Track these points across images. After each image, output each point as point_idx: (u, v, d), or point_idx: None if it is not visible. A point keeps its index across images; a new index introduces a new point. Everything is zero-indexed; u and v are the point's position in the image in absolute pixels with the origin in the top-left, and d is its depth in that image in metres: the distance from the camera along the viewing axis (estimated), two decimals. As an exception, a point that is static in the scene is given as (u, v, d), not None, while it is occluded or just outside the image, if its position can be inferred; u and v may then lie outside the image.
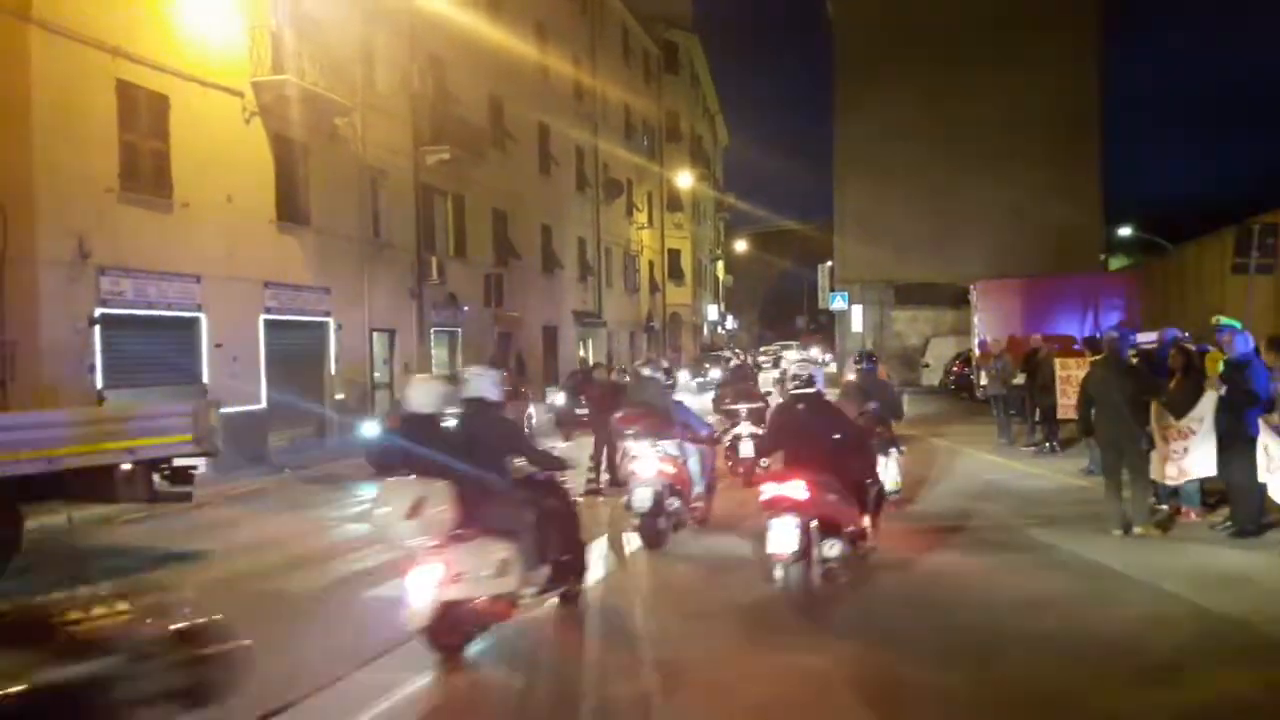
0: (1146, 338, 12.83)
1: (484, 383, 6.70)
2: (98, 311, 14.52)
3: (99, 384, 14.44)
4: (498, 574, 5.99)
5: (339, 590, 8.36)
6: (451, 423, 6.87)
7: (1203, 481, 9.68)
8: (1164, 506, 9.80)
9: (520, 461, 6.72)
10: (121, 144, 15.15)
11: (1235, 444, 8.69)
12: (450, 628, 5.92)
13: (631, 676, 5.72)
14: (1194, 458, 9.19)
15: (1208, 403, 9.00)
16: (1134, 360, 10.07)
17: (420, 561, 5.80)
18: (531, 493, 6.65)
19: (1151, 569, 7.78)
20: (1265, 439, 8.29)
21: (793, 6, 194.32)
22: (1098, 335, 10.64)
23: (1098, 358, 10.08)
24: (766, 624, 6.59)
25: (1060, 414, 14.55)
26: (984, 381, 20.25)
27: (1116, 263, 43.72)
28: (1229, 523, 8.96)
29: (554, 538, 6.65)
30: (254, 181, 18.10)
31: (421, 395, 6.88)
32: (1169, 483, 9.54)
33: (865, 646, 6.13)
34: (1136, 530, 9.05)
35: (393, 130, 22.92)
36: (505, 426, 6.81)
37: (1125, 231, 41.92)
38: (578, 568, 7.00)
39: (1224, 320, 10.05)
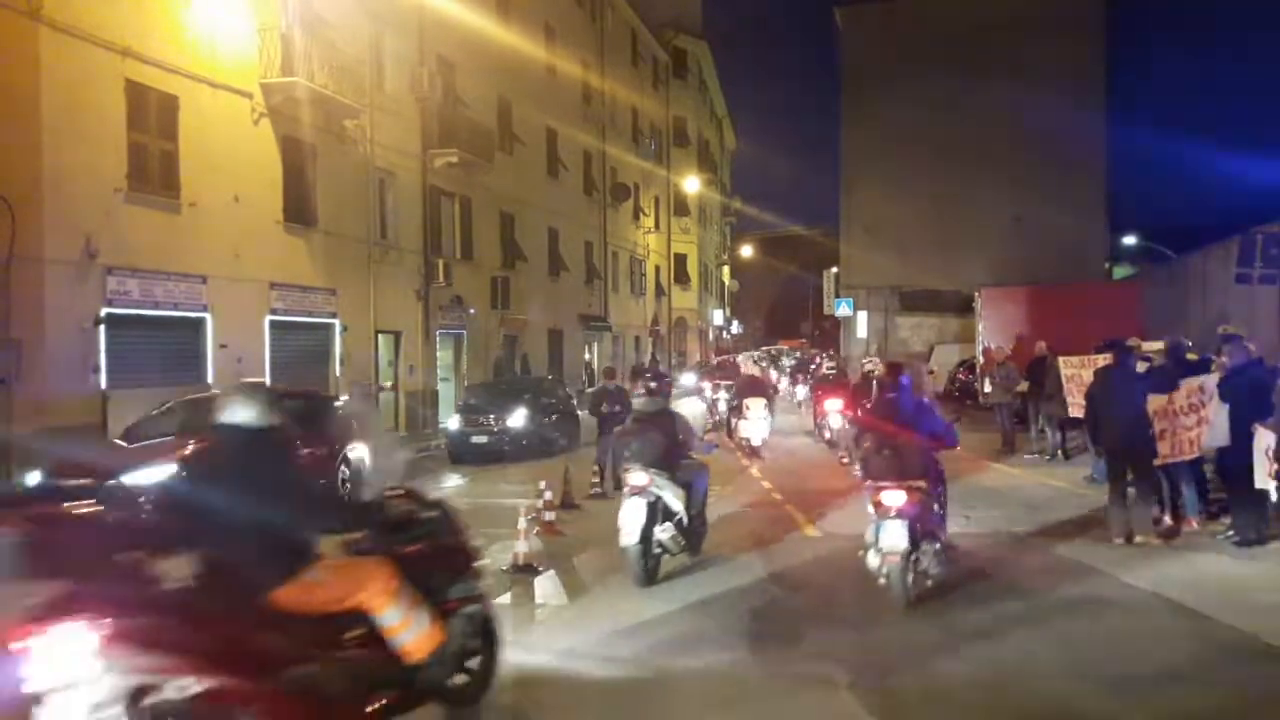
0: (1152, 346, 12.81)
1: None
2: (103, 311, 14.56)
3: (103, 384, 14.49)
4: None
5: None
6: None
7: (1205, 489, 9.69)
8: (1166, 517, 9.80)
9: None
10: (130, 144, 15.21)
11: (1236, 452, 8.70)
12: None
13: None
14: (1209, 429, 9.16)
15: (1210, 379, 9.05)
16: (1141, 368, 10.08)
17: None
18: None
19: (1154, 578, 7.78)
20: (1266, 442, 8.28)
21: (801, 14, 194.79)
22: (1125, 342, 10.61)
23: (1104, 365, 10.09)
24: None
25: (1073, 413, 14.31)
26: (988, 389, 20.24)
27: (1121, 271, 43.65)
28: (1231, 531, 8.95)
29: None
30: (262, 182, 18.16)
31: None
32: (1185, 458, 9.44)
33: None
34: (1138, 539, 9.06)
35: (401, 132, 22.99)
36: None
37: (1130, 240, 41.85)
38: None
39: (1230, 330, 10.07)
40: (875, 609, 7.11)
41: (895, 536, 7.07)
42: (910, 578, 7.15)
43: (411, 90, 23.50)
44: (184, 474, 4.64)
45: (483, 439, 17.95)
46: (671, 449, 8.48)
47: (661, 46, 46.95)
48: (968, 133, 37.72)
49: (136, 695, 3.64)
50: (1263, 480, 8.30)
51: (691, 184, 48.54)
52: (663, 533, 8.16)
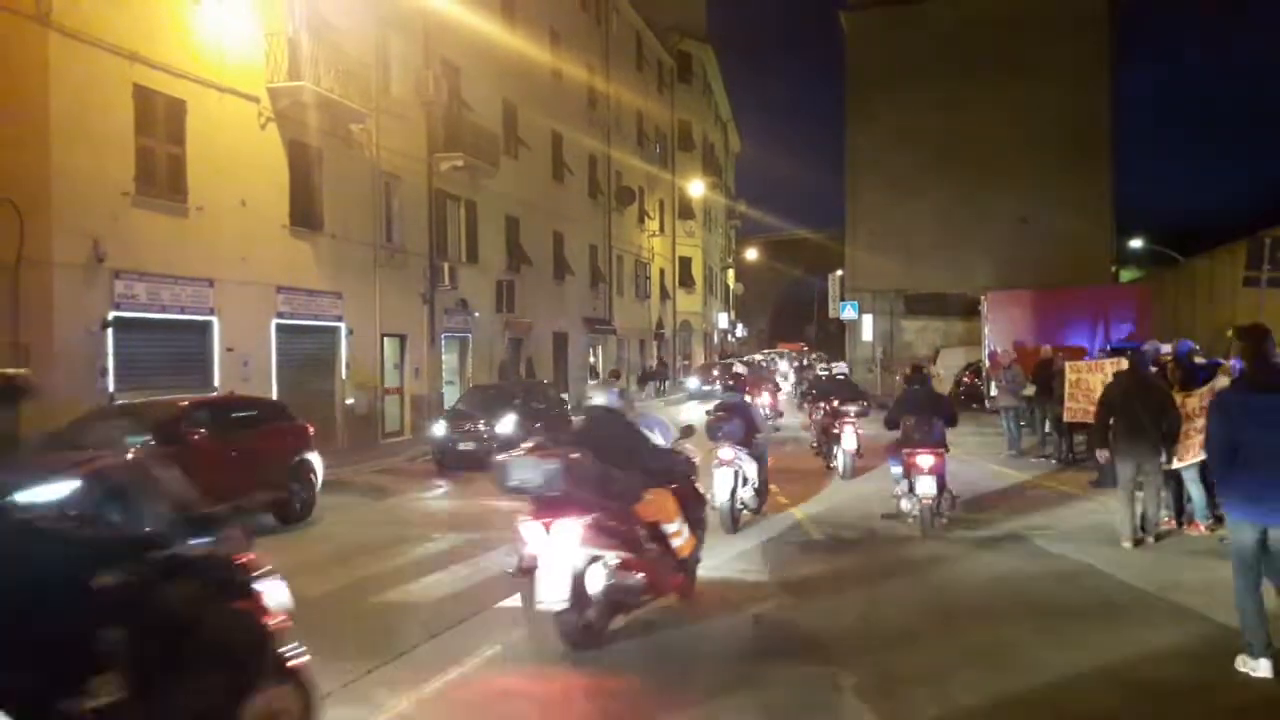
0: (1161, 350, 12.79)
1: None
2: (111, 314, 14.60)
3: (110, 387, 14.53)
4: None
5: (347, 595, 8.40)
6: None
7: (1212, 495, 9.67)
8: (1172, 522, 9.81)
9: None
10: (138, 148, 15.26)
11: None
12: None
13: None
14: None
15: (1221, 382, 9.04)
16: (1156, 373, 10.09)
17: None
18: None
19: (1161, 581, 7.78)
20: None
21: (806, 17, 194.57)
22: (1140, 346, 10.59)
23: (1121, 369, 10.09)
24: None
25: (1068, 417, 14.31)
26: (994, 392, 20.23)
27: (1127, 275, 43.62)
28: None
29: None
30: (268, 186, 18.21)
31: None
32: (1182, 464, 9.42)
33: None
34: (1150, 541, 9.09)
35: (407, 136, 23.04)
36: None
37: (1136, 244, 41.83)
38: None
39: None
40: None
41: (927, 486, 9.95)
42: (933, 521, 10.02)
43: (417, 94, 23.55)
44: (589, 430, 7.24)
45: (470, 445, 17.19)
46: (750, 431, 10.80)
47: (666, 50, 47.01)
48: (973, 135, 37.70)
49: (590, 562, 6.27)
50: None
51: (696, 187, 48.57)
52: (745, 493, 10.60)
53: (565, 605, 6.12)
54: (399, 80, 22.92)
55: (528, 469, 6.35)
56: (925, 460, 9.91)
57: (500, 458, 6.86)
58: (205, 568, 3.75)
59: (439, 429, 18.00)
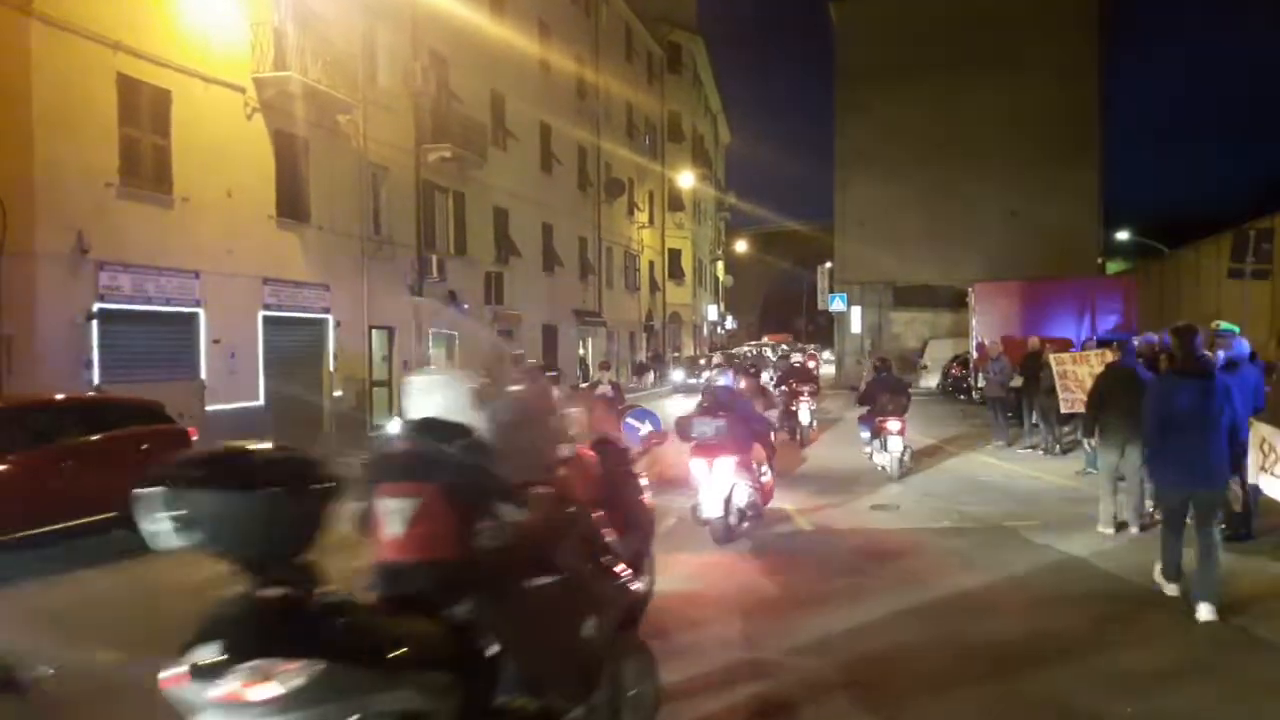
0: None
1: None
2: (96, 306, 14.52)
3: (95, 379, 14.45)
4: None
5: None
6: None
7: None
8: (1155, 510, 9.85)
9: None
10: (122, 138, 15.15)
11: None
12: None
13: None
14: None
15: None
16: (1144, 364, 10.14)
17: None
18: None
19: (1144, 569, 7.81)
20: (1262, 433, 8.30)
21: (796, 8, 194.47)
22: (1127, 337, 10.65)
23: (1114, 360, 10.15)
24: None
25: (1065, 408, 14.22)
26: (981, 384, 20.29)
27: (1114, 266, 43.81)
28: (1223, 525, 8.98)
29: None
30: (255, 177, 18.11)
31: None
32: None
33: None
34: (1134, 530, 9.16)
35: (394, 127, 22.94)
36: None
37: (1123, 235, 42.01)
38: None
39: (1223, 325, 10.10)
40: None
41: (896, 444, 13.29)
42: (901, 469, 13.36)
43: (405, 85, 23.45)
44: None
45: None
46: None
47: (656, 41, 46.90)
48: (962, 128, 37.83)
49: (733, 487, 9.25)
50: (1255, 474, 8.32)
51: (686, 179, 48.53)
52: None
53: (719, 515, 9.15)
54: (386, 71, 22.81)
55: (704, 425, 9.48)
56: (894, 425, 13.31)
57: (680, 416, 9.93)
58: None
59: (394, 426, 15.92)
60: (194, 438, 10.82)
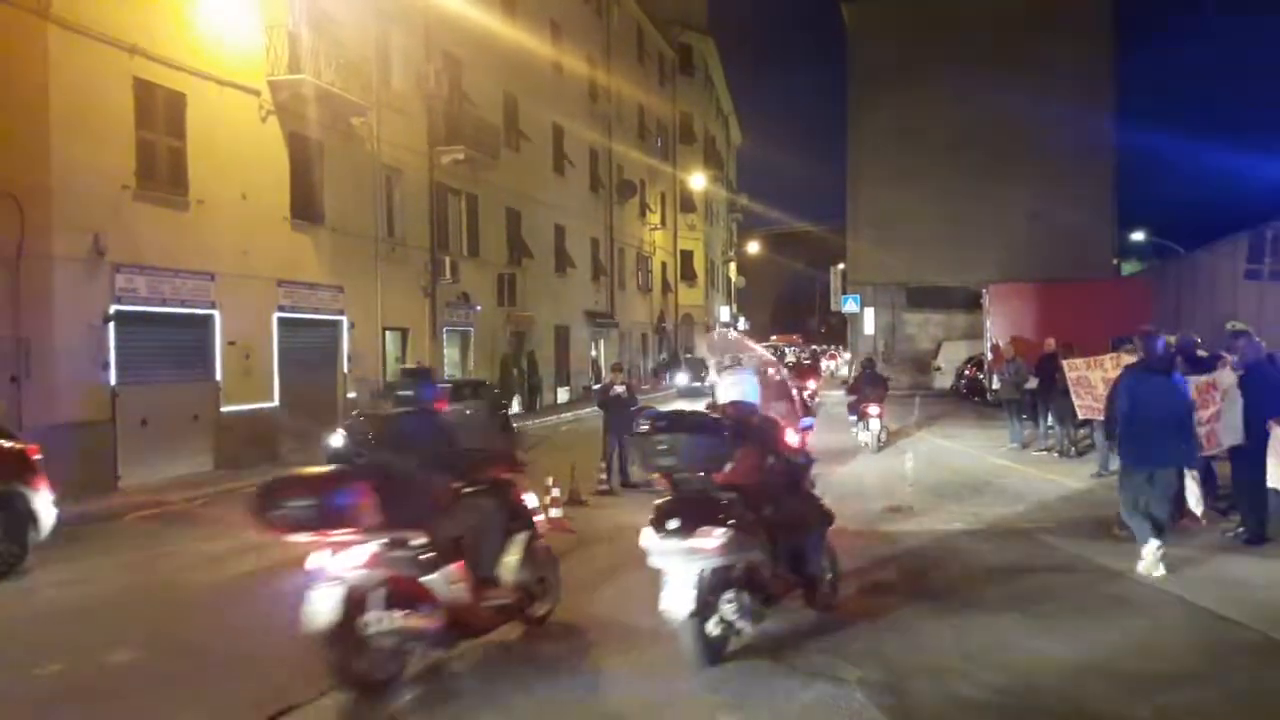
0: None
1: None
2: (112, 308, 14.59)
3: (112, 381, 14.53)
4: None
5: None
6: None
7: (1214, 486, 9.67)
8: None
9: None
10: (138, 141, 15.23)
11: (1246, 449, 8.67)
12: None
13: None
14: (1222, 424, 9.11)
15: (1226, 376, 9.02)
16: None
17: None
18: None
19: (1161, 574, 7.76)
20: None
21: (808, 10, 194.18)
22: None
23: (1131, 362, 10.08)
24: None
25: (1083, 414, 14.11)
26: (996, 385, 20.21)
27: (1129, 267, 43.56)
28: (1240, 529, 8.93)
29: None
30: (269, 179, 18.18)
31: None
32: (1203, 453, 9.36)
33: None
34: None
35: (408, 129, 23.01)
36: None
37: (1138, 236, 41.77)
38: None
39: (1239, 326, 10.03)
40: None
41: (876, 425, 17.13)
42: (879, 444, 17.01)
43: (418, 87, 23.51)
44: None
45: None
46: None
47: (668, 43, 46.90)
48: (975, 129, 37.69)
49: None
50: (1276, 479, 8.27)
51: (698, 180, 48.48)
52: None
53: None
54: (400, 73, 22.88)
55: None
56: (874, 409, 17.11)
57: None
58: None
59: (337, 439, 11.50)
60: (36, 456, 9.33)
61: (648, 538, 5.63)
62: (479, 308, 26.24)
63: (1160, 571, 7.64)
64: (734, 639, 5.90)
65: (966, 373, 31.02)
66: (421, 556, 5.56)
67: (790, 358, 37.39)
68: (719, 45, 53.80)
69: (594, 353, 36.99)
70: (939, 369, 35.44)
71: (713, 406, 9.80)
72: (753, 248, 70.67)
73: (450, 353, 25.68)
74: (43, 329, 13.59)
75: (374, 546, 5.36)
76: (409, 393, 6.51)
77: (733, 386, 7.74)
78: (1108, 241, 39.15)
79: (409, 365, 19.48)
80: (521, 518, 6.55)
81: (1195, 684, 5.51)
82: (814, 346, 54.80)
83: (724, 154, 61.12)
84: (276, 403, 18.09)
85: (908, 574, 8.23)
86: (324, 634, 5.11)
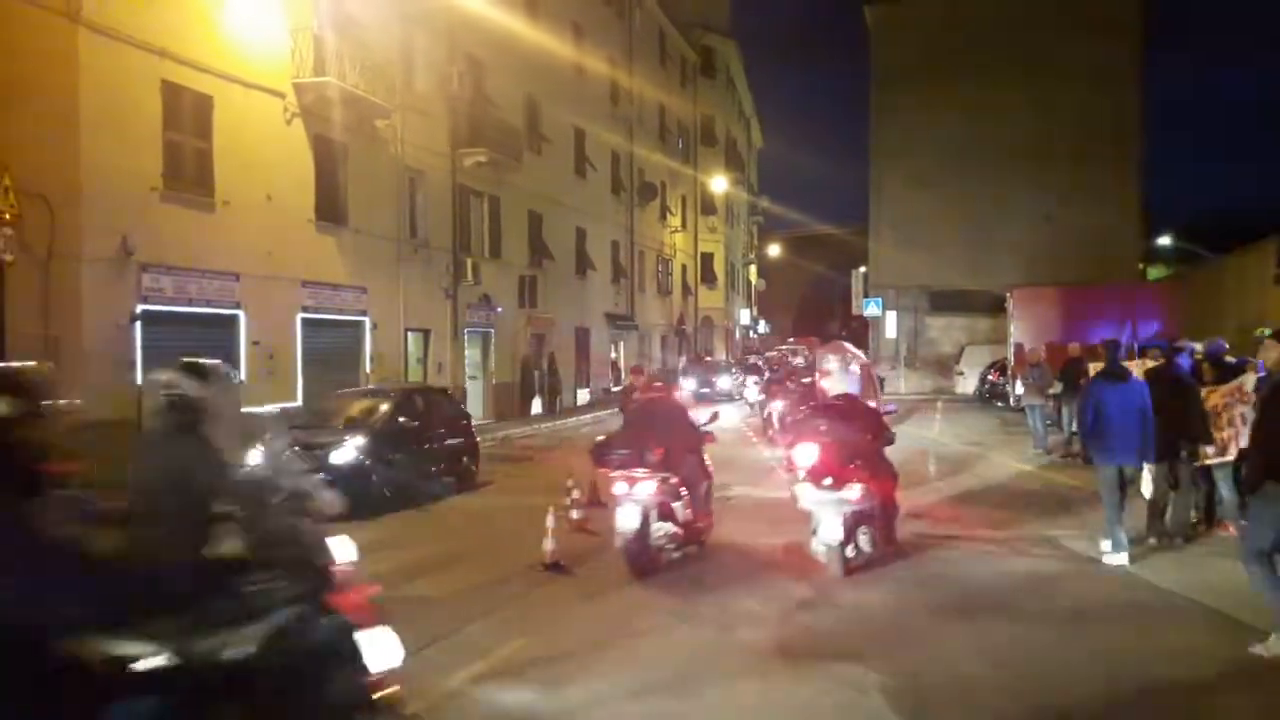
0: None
1: None
2: (138, 308, 14.73)
3: (138, 380, 14.64)
4: None
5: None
6: None
7: (1243, 497, 9.54)
8: (1197, 523, 9.71)
9: None
10: (165, 143, 15.38)
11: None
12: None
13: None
14: (1247, 432, 9.01)
15: (1251, 379, 8.92)
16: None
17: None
18: None
19: (1183, 581, 7.71)
20: None
21: (831, 13, 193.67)
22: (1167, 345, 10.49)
23: (1151, 366, 10.03)
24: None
25: None
26: (1020, 390, 20.06)
27: (1155, 272, 43.17)
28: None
29: None
30: (294, 181, 18.31)
31: None
32: (1216, 460, 9.28)
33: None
34: (1178, 542, 9.02)
35: (431, 132, 23.11)
36: None
37: (1164, 241, 41.38)
38: None
39: (1269, 332, 9.91)
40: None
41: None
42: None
43: (441, 90, 23.62)
44: None
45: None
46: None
47: (690, 45, 46.89)
48: (999, 131, 37.40)
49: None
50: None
51: (719, 183, 48.43)
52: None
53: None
54: (423, 76, 22.99)
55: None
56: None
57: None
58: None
59: (252, 458, 7.43)
60: None
61: (804, 490, 8.26)
62: (500, 309, 26.32)
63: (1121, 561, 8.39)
64: (860, 558, 8.27)
65: (990, 377, 30.81)
66: (679, 490, 8.71)
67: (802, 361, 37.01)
68: (741, 47, 53.80)
69: (614, 355, 37.00)
70: (961, 374, 35.23)
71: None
72: (773, 250, 70.48)
73: (471, 354, 25.77)
74: (71, 328, 13.73)
75: (656, 481, 8.36)
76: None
77: (840, 382, 9.78)
78: (1134, 245, 38.76)
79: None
80: (709, 471, 9.45)
81: (1216, 691, 5.49)
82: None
83: (745, 156, 61.03)
84: (300, 403, 18.19)
85: (930, 578, 8.18)
86: (629, 535, 8.21)
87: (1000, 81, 36.86)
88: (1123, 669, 5.80)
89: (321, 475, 9.75)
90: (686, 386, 36.43)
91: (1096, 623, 6.83)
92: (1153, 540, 9.14)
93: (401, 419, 13.65)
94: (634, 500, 8.24)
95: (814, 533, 8.23)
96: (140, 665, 2.90)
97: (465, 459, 14.83)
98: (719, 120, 51.06)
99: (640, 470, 8.42)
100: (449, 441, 14.57)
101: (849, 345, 13.61)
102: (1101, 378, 8.88)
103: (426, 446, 13.90)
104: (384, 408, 13.79)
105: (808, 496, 8.20)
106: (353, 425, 13.29)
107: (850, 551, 8.13)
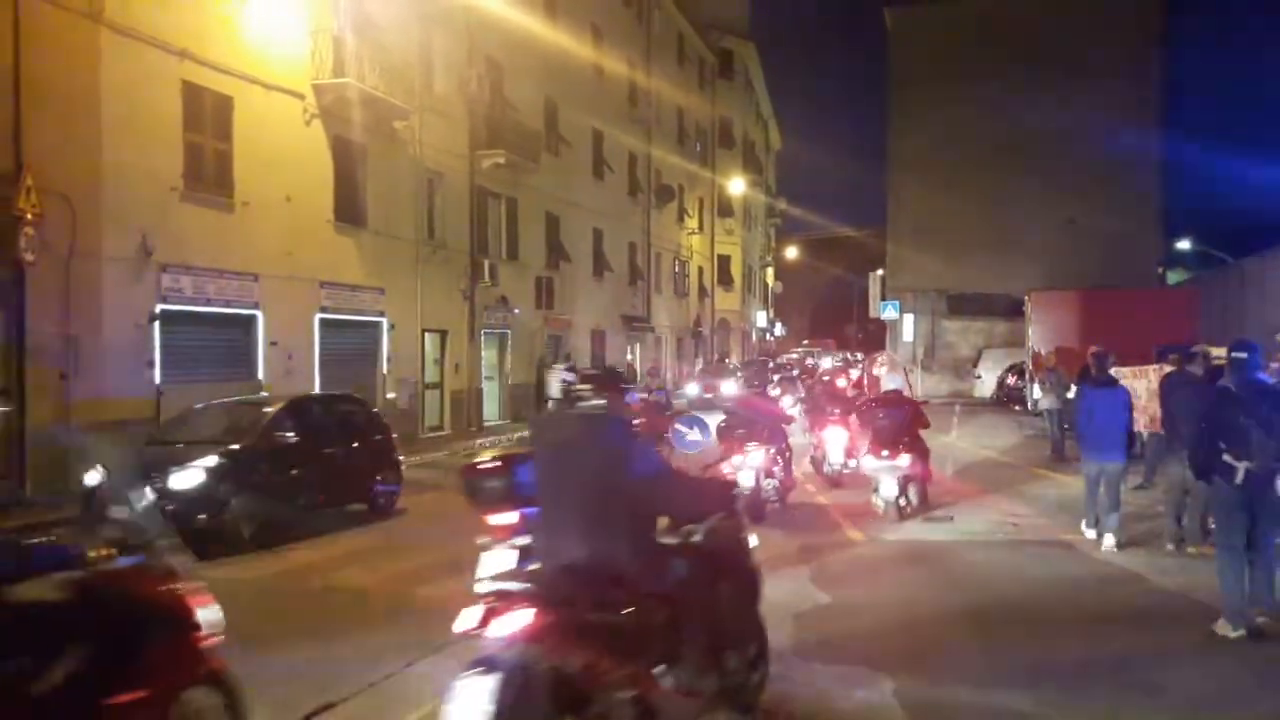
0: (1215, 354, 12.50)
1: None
2: (158, 308, 14.83)
3: (156, 379, 14.76)
4: None
5: (386, 587, 8.47)
6: None
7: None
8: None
9: None
10: (186, 144, 15.49)
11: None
12: None
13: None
14: None
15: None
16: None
17: None
18: None
19: (1211, 588, 7.61)
20: None
21: (849, 15, 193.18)
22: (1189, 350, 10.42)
23: (1169, 371, 10.00)
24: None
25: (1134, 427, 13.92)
26: (1037, 394, 19.95)
27: (1175, 276, 42.83)
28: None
29: None
30: (313, 182, 18.41)
31: None
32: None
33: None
34: (1190, 549, 8.94)
35: (449, 133, 23.19)
36: None
37: (1184, 245, 41.02)
38: None
39: (1286, 337, 9.85)
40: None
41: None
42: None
43: (460, 91, 23.69)
44: None
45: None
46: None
47: (708, 47, 46.89)
48: (1017, 134, 37.19)
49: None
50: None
51: (736, 185, 48.40)
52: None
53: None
54: (442, 77, 23.07)
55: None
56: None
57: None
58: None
59: (92, 478, 7.49)
60: None
61: (868, 459, 11.16)
62: (517, 310, 26.37)
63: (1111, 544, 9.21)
64: (908, 507, 11.07)
65: (1008, 381, 30.66)
66: (777, 459, 11.32)
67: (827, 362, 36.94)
68: (760, 50, 53.73)
69: (630, 356, 37.03)
70: (979, 377, 35.07)
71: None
72: (791, 253, 70.39)
73: (488, 355, 25.84)
74: (91, 327, 13.83)
75: (764, 451, 10.96)
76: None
77: (891, 380, 13.18)
78: (1153, 249, 38.48)
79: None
80: (790, 446, 12.14)
81: (1236, 700, 5.42)
82: (845, 353, 53.53)
83: (763, 158, 60.95)
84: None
85: (947, 584, 8.14)
86: (746, 490, 9.66)
87: (1019, 83, 36.64)
88: (1137, 675, 5.75)
89: (160, 503, 8.92)
90: (691, 392, 35.95)
91: (1113, 628, 6.77)
92: (1170, 546, 9.07)
93: (281, 434, 11.12)
94: (749, 465, 10.69)
95: (875, 490, 11.18)
96: None
97: (378, 482, 12.37)
98: (737, 122, 51.02)
99: (752, 443, 10.89)
100: (354, 462, 12.16)
101: (891, 352, 16.01)
102: (1093, 384, 9.79)
103: (319, 468, 11.46)
104: (256, 420, 11.35)
105: (870, 464, 11.10)
106: (209, 443, 10.73)
107: (901, 501, 10.95)
